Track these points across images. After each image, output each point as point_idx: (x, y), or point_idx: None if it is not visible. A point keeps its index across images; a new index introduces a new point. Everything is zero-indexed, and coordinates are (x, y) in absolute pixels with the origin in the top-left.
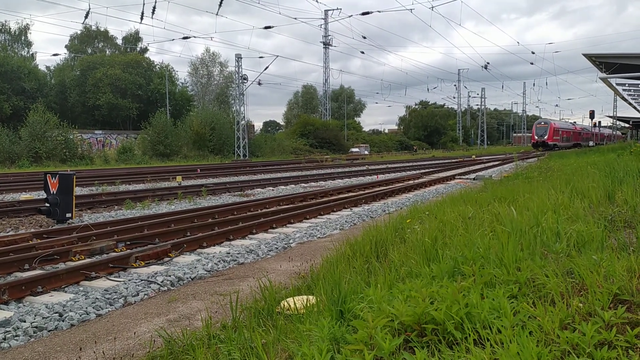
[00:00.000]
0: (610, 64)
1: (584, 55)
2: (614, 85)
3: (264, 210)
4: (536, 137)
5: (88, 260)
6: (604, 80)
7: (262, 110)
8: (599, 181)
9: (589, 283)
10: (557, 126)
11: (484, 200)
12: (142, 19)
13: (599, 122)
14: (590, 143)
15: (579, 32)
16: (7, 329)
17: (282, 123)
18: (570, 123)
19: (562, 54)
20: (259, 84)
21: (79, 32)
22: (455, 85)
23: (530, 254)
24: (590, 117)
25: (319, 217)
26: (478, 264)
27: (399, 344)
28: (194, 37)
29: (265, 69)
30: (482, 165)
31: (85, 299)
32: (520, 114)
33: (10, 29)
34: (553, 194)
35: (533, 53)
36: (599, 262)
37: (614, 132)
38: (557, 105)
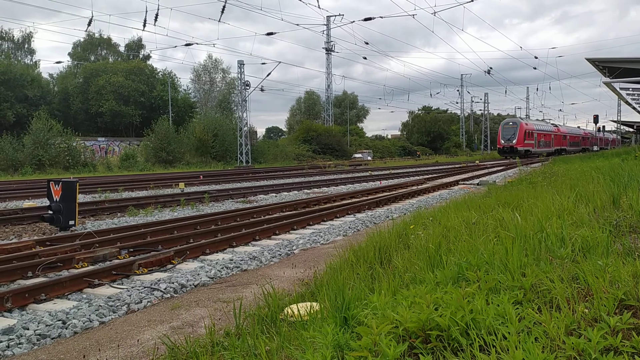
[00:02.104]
0: (613, 69)
1: (587, 59)
2: (618, 89)
3: (267, 217)
4: (502, 142)
5: (91, 267)
6: (607, 84)
7: (264, 116)
8: (604, 186)
9: (594, 288)
10: (529, 127)
11: (488, 206)
12: (144, 26)
13: (603, 126)
14: (595, 147)
15: (581, 37)
16: (11, 337)
17: (284, 129)
18: (552, 124)
19: (565, 58)
20: (262, 90)
21: (82, 39)
22: (458, 90)
23: (535, 259)
24: (594, 122)
25: (322, 223)
26: (482, 269)
27: (403, 350)
28: (197, 43)
29: (268, 75)
30: (486, 171)
31: (89, 306)
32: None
33: (13, 36)
34: (557, 199)
35: (536, 58)
36: (605, 267)
37: (616, 137)
38: (560, 110)
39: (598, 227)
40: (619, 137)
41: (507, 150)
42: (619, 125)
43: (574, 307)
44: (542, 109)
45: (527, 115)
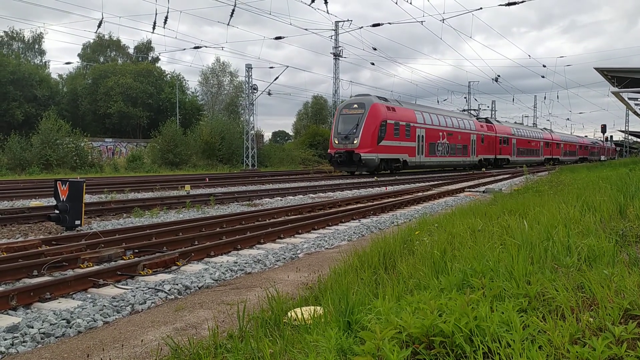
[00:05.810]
0: (622, 78)
1: (596, 69)
2: (626, 99)
3: (272, 220)
4: (336, 141)
5: (96, 267)
6: (615, 94)
7: (271, 120)
8: (611, 196)
9: (599, 298)
10: (398, 116)
11: (494, 213)
12: (154, 28)
13: (611, 136)
14: (602, 157)
15: (589, 46)
16: (15, 335)
17: (291, 133)
18: (480, 119)
19: (574, 67)
20: (269, 94)
21: (91, 41)
22: (465, 97)
23: (540, 267)
24: (602, 131)
25: (327, 227)
26: (487, 276)
27: (406, 356)
28: (205, 47)
29: (275, 79)
30: (492, 178)
31: (93, 306)
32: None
33: (24, 37)
34: (564, 208)
35: (544, 66)
36: (610, 276)
37: (610, 145)
38: (568, 119)
39: (604, 236)
40: (605, 143)
41: (343, 160)
42: (626, 135)
43: (579, 316)
44: (549, 117)
45: (534, 123)
